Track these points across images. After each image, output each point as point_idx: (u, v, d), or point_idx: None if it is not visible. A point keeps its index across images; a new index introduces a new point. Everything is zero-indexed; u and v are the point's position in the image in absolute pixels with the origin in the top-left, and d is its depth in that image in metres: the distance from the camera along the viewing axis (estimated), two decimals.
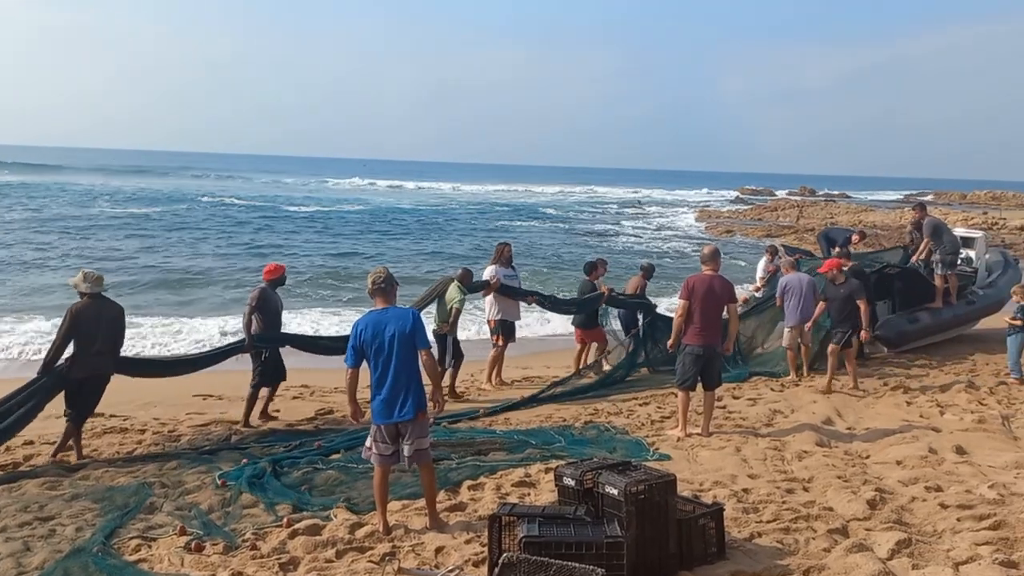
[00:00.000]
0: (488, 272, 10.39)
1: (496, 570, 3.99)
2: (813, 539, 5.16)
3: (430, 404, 5.57)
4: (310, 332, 12.86)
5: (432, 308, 9.78)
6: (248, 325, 8.35)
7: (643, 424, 8.40)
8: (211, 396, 9.65)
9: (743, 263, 25.16)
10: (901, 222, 36.86)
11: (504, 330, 10.37)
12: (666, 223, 46.87)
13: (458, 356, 9.77)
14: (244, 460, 6.96)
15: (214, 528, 5.49)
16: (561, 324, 13.64)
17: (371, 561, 4.93)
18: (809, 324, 10.58)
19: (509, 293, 10.38)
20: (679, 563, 4.72)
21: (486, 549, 4.79)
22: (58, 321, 7.53)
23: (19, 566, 4.91)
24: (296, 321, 14.16)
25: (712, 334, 7.78)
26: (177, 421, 8.53)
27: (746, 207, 58.79)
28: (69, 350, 7.16)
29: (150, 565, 4.95)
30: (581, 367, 10.88)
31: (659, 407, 9.15)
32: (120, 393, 8.20)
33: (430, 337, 6.23)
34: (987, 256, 14.45)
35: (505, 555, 4.06)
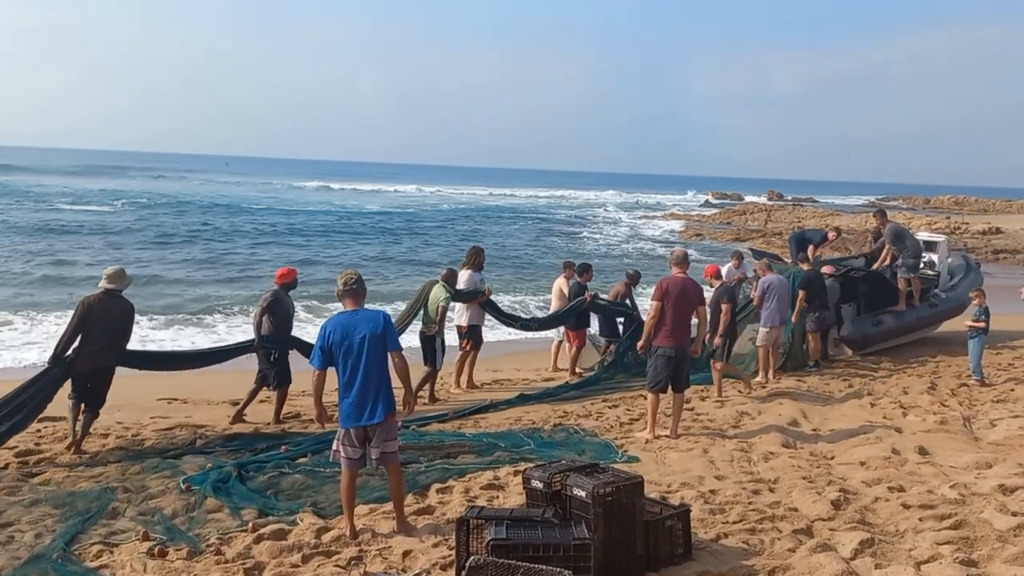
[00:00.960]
0: (463, 278, 10.25)
1: (463, 573, 3.99)
2: (778, 539, 5.22)
3: (400, 407, 5.54)
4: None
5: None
6: (258, 326, 8.49)
7: (612, 426, 8.45)
8: (176, 400, 9.50)
9: None
10: (866, 226, 37.36)
11: (473, 335, 10.36)
12: (638, 225, 47.16)
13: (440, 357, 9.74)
14: (209, 464, 6.86)
15: (178, 533, 5.41)
16: None
17: (337, 566, 4.90)
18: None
19: (493, 312, 10.60)
20: (646, 564, 4.76)
21: (454, 552, 4.77)
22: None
23: None
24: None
25: (683, 336, 7.85)
26: (141, 425, 8.39)
27: (715, 211, 59.33)
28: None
29: (112, 571, 4.87)
30: (577, 369, 11.24)
31: (628, 409, 9.21)
32: None
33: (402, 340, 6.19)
34: (949, 260, 14.73)
35: (472, 558, 4.05)
